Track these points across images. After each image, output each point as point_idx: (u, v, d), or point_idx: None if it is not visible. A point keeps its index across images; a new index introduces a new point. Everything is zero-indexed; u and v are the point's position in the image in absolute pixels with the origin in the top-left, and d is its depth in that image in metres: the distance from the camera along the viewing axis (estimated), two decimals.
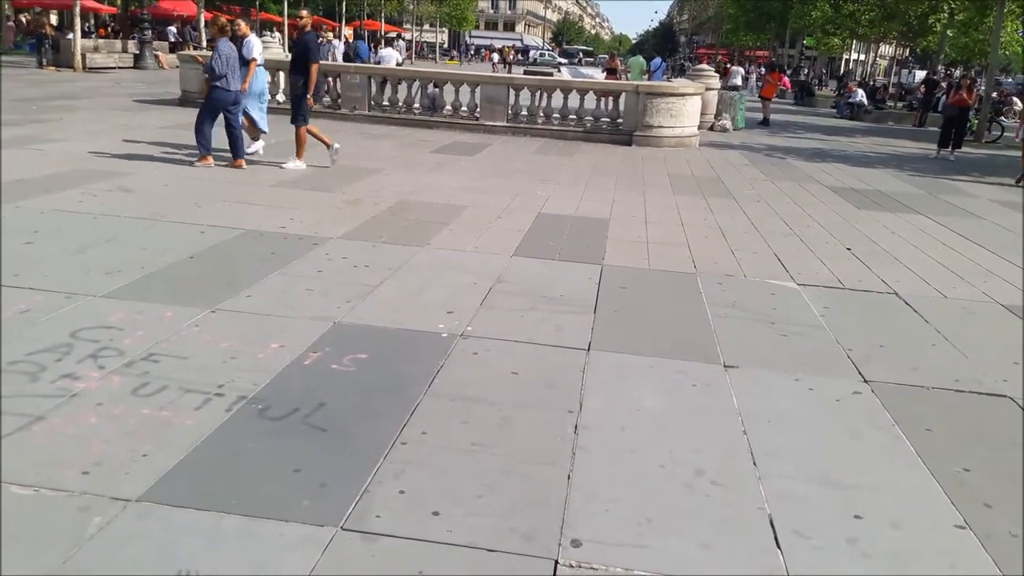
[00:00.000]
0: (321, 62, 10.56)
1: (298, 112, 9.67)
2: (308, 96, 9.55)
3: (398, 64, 20.95)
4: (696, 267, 6.37)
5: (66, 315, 4.37)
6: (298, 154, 9.82)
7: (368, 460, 3.07)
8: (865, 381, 4.22)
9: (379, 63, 20.38)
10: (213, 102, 9.25)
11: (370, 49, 28.94)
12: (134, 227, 6.37)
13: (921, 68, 49.32)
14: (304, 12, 10.19)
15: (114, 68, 26.43)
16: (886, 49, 56.82)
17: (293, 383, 3.72)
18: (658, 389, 3.97)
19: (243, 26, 10.00)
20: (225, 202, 7.51)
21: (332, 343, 4.24)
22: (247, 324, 4.45)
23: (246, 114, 10.05)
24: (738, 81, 23.83)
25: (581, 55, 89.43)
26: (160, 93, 18.02)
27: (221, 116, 9.38)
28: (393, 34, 46.68)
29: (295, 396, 3.57)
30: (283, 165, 9.71)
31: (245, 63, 9.58)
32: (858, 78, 41.44)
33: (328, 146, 9.98)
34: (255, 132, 10.38)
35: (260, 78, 10.19)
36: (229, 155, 9.49)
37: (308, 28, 9.97)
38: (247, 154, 9.84)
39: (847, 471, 3.26)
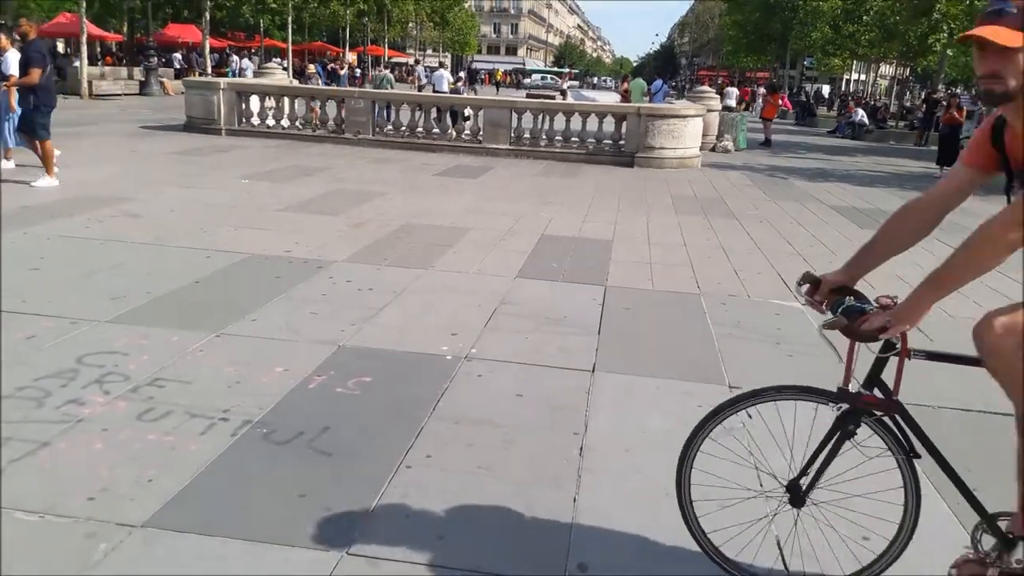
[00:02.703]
0: (323, 87, 10.48)
1: (37, 126, 9.20)
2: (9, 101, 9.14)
3: (450, 85, 22.82)
4: (700, 287, 6.37)
5: (72, 340, 4.38)
6: (48, 170, 9.26)
7: (373, 484, 3.06)
8: None
9: (432, 85, 22.78)
10: None
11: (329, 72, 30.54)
12: (140, 252, 6.41)
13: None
14: (23, 20, 9.99)
15: (120, 95, 26.68)
16: (887, 69, 57.11)
17: (298, 407, 3.72)
18: (663, 410, 3.96)
19: (3, 40, 9.62)
20: (230, 227, 7.55)
21: (337, 366, 4.24)
22: (252, 348, 4.46)
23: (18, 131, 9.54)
24: (732, 102, 23.93)
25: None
26: (166, 119, 18.18)
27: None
28: (436, 62, 47.89)
29: (300, 420, 3.57)
30: (33, 184, 9.04)
31: (4, 78, 9.18)
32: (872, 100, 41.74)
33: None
34: (34, 145, 9.52)
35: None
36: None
37: (31, 38, 9.50)
38: None
39: (854, 491, 3.23)
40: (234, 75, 28.85)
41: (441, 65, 34.02)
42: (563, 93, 34.09)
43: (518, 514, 2.93)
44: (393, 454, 3.31)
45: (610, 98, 30.04)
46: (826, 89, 51.32)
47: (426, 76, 35.78)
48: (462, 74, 38.09)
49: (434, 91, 21.57)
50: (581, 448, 3.49)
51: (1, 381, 3.76)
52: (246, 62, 29.77)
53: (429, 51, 71.96)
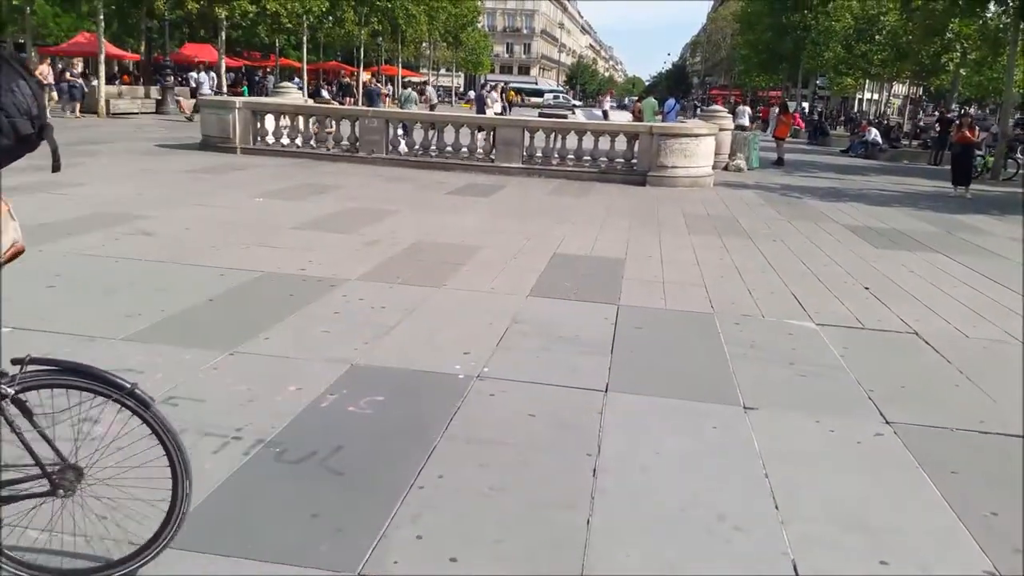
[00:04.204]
0: (338, 106, 10.60)
1: None
2: None
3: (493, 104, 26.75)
4: (713, 307, 6.34)
5: (86, 358, 4.38)
6: None
7: (385, 504, 3.05)
8: (887, 422, 4.16)
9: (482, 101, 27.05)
10: None
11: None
12: (154, 270, 6.44)
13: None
14: None
15: (137, 113, 26.96)
16: (899, 88, 57.04)
17: (310, 426, 3.72)
18: (677, 431, 3.93)
19: None
20: (244, 245, 7.59)
21: (349, 385, 4.24)
22: (265, 366, 4.46)
23: None
24: (745, 121, 24.04)
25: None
26: (181, 138, 18.35)
27: None
28: (493, 82, 49.90)
29: (313, 439, 3.56)
30: None
31: None
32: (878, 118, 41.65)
33: None
34: None
35: None
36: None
37: None
38: None
39: (871, 514, 3.20)
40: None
41: (491, 88, 36.92)
42: (572, 111, 35.70)
43: (531, 535, 2.91)
44: (405, 474, 3.29)
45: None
46: (806, 105, 50.38)
47: (438, 96, 37.41)
48: (495, 93, 39.93)
49: (479, 111, 24.39)
50: (595, 469, 3.47)
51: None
52: (203, 76, 30.01)
53: (443, 71, 72.39)
